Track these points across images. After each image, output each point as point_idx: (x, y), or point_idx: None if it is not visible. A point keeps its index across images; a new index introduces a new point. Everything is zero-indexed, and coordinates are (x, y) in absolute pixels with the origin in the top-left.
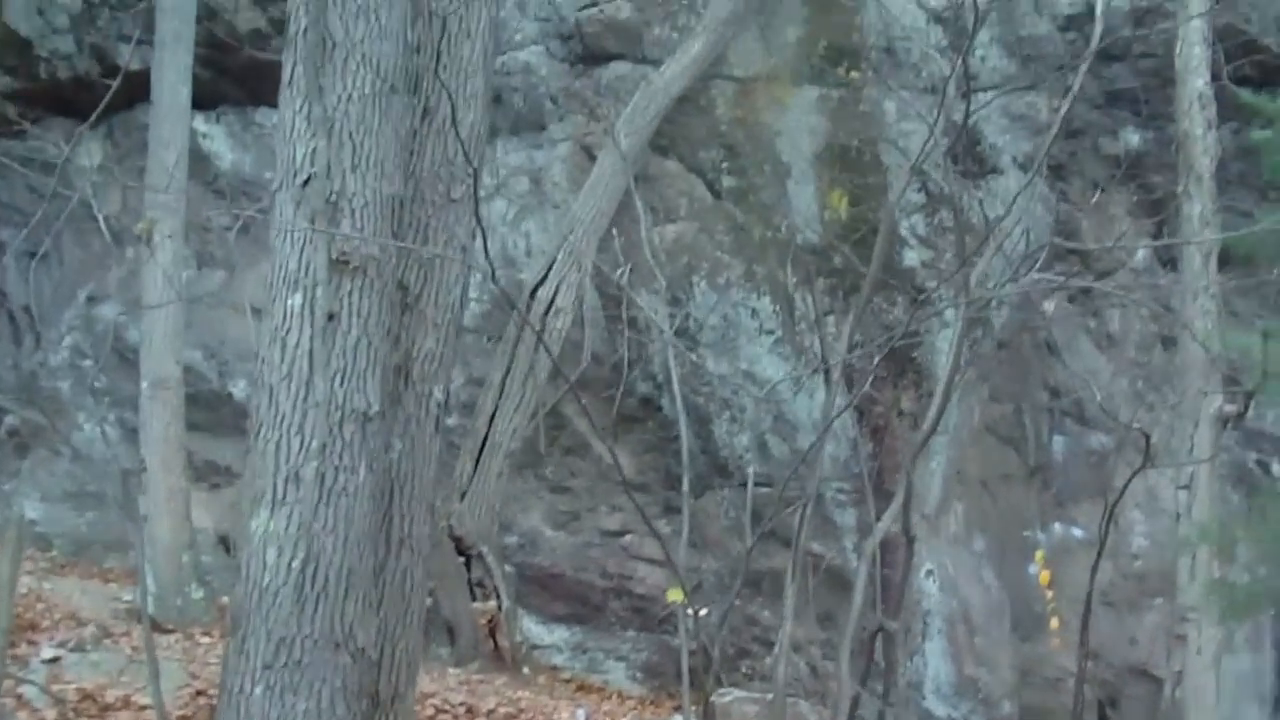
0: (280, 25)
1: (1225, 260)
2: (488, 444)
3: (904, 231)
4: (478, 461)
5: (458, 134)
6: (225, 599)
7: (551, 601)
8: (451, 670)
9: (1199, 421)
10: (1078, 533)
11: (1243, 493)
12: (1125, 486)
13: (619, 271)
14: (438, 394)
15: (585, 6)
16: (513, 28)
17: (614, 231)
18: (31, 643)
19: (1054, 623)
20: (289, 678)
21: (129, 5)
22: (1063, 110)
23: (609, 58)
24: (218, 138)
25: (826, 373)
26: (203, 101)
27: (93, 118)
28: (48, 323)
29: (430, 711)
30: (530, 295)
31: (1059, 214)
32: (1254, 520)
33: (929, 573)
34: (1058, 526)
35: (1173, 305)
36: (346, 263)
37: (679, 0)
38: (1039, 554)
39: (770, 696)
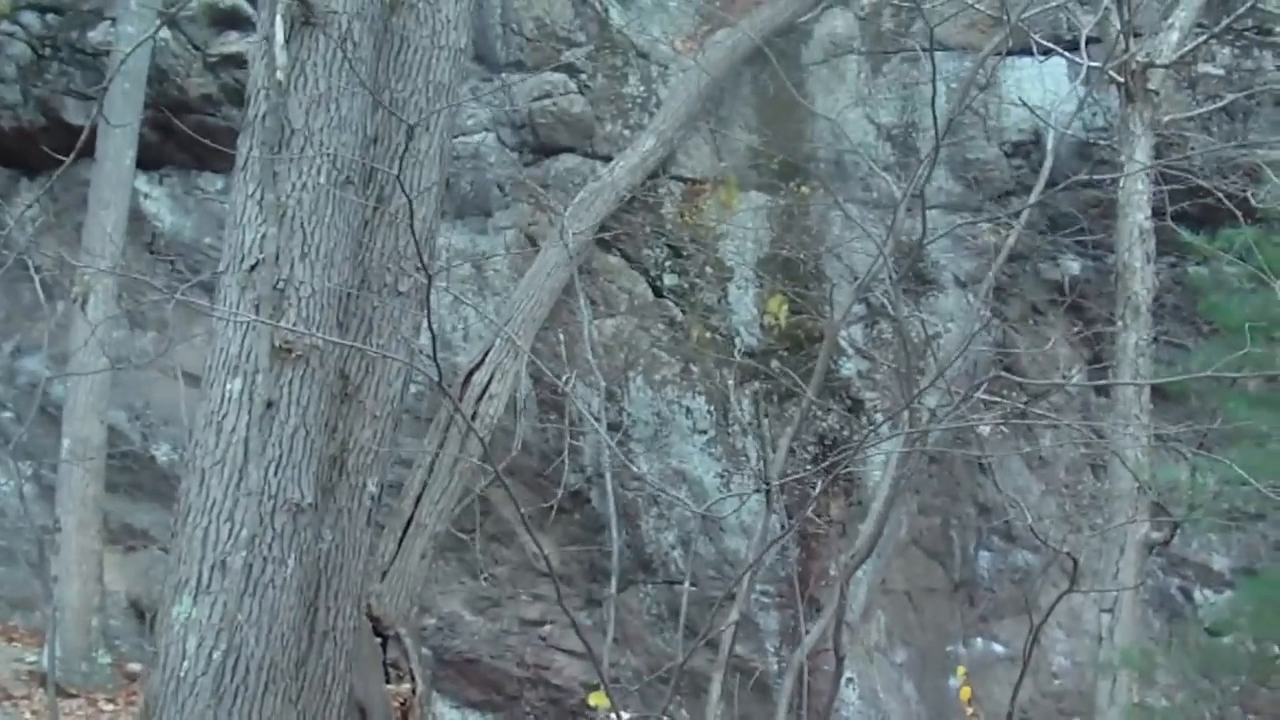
0: (231, 92)
1: (1158, 391)
2: (412, 525)
3: (842, 342)
4: (400, 542)
5: (412, 230)
6: (133, 665)
7: (467, 688)
8: None
9: (1125, 546)
10: (999, 649)
11: (1164, 618)
12: (1051, 609)
13: (555, 363)
14: (371, 486)
15: (539, 98)
16: (465, 113)
17: (552, 322)
18: None
19: None
20: None
21: (80, 61)
22: (1010, 240)
23: (559, 150)
24: (159, 199)
25: (768, 492)
26: (147, 162)
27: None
28: None
29: None
30: (465, 380)
31: (997, 335)
32: (1175, 647)
33: (849, 680)
34: (980, 642)
35: (1104, 432)
36: (289, 351)
37: (632, 98)
38: (960, 669)
39: None
